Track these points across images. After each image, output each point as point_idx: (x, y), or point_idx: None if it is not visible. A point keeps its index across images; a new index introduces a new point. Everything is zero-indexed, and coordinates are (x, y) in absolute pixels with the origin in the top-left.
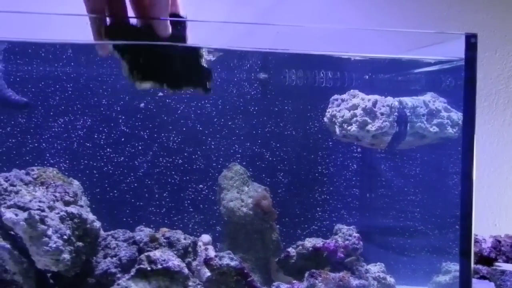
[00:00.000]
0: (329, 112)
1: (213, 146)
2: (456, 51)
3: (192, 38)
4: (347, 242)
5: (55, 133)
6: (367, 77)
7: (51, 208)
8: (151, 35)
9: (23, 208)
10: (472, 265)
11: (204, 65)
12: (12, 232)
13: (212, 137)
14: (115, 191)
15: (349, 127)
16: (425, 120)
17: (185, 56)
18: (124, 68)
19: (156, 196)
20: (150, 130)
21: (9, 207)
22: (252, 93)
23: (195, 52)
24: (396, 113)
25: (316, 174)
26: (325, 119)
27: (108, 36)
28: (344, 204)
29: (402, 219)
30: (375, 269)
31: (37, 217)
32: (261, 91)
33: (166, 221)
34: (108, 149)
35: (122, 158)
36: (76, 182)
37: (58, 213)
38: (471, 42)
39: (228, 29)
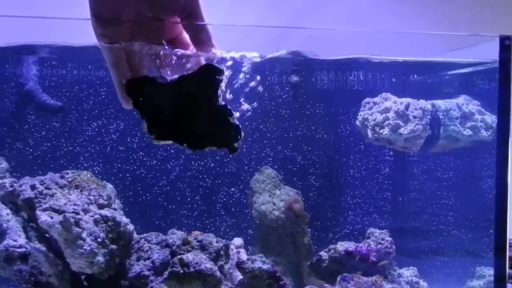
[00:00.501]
0: (361, 115)
1: (245, 150)
2: (490, 53)
3: (223, 45)
4: (379, 246)
5: (88, 137)
6: (399, 80)
7: (86, 211)
8: (177, 91)
9: (58, 211)
10: (507, 270)
11: (234, 122)
12: (47, 235)
13: (244, 140)
14: (148, 194)
15: (381, 130)
16: (459, 123)
17: (212, 113)
18: (143, 125)
19: (188, 199)
20: None
21: (44, 210)
22: (284, 96)
23: (224, 109)
24: (429, 116)
25: (348, 178)
26: (357, 122)
27: (128, 92)
28: (377, 207)
29: (435, 223)
30: (408, 273)
31: (72, 220)
32: (293, 94)
33: (198, 224)
34: (140, 153)
35: (155, 161)
36: (109, 185)
37: (92, 216)
38: (505, 44)
39: (259, 34)
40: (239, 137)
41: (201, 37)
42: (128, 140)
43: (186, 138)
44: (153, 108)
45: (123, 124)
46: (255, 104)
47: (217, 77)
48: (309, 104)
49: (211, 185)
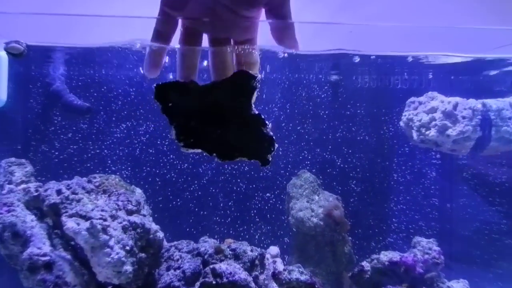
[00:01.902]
0: (405, 115)
1: (281, 153)
2: None
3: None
4: (426, 256)
5: (117, 139)
6: (447, 77)
7: (114, 218)
8: (208, 97)
9: (85, 217)
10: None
11: (267, 133)
12: (73, 243)
13: (280, 142)
14: (178, 200)
15: (427, 132)
16: None
17: (244, 122)
18: (171, 131)
19: (221, 205)
20: None
21: (70, 216)
22: (323, 96)
23: (257, 118)
24: (479, 117)
25: (392, 182)
26: (401, 123)
27: (157, 97)
28: (423, 214)
29: (487, 232)
30: (458, 286)
31: (99, 226)
32: (332, 93)
33: (231, 231)
34: (171, 156)
35: (186, 165)
36: (138, 190)
37: (121, 223)
38: None
39: (296, 30)
40: (272, 149)
41: (288, 33)
42: (158, 142)
43: (215, 147)
44: (183, 115)
45: (152, 125)
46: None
47: (251, 84)
48: (350, 104)
49: (245, 190)
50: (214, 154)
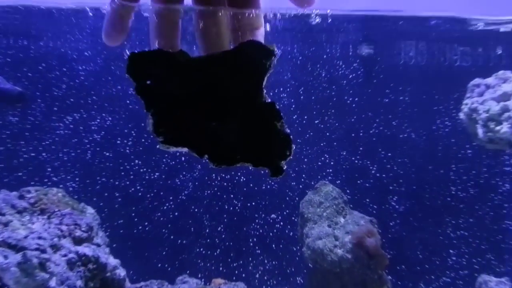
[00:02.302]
0: (467, 104)
1: (291, 157)
2: None
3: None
4: None
5: (60, 137)
6: None
7: (56, 248)
8: (202, 76)
9: (16, 248)
10: None
11: (283, 129)
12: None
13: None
14: (147, 223)
15: (497, 127)
16: None
17: (252, 114)
18: (148, 121)
19: (207, 230)
20: None
21: None
22: (350, 76)
23: (270, 109)
24: None
25: (448, 198)
26: (461, 115)
27: (130, 72)
28: (492, 244)
29: None
30: None
31: (35, 260)
32: (364, 73)
33: (221, 267)
34: (137, 161)
35: (158, 174)
36: (90, 210)
37: (66, 255)
38: None
39: None
40: (288, 153)
41: None
42: (118, 142)
43: (208, 146)
44: (165, 98)
45: (110, 118)
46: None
47: (264, 61)
48: (389, 88)
49: (241, 209)
50: (206, 156)
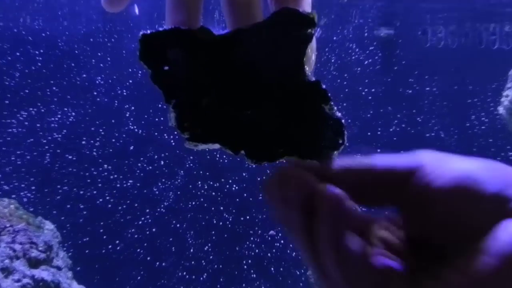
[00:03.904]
0: (507, 96)
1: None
2: None
3: None
4: None
5: (13, 136)
6: None
7: (7, 271)
8: (232, 56)
9: None
10: None
11: (333, 113)
12: None
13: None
14: (118, 241)
15: None
16: None
17: (293, 97)
18: (169, 115)
19: (191, 250)
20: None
21: None
22: (365, 63)
23: (315, 89)
24: None
25: None
26: (500, 110)
27: (144, 56)
28: None
29: None
30: None
31: None
32: (382, 59)
33: None
34: (106, 166)
35: (131, 181)
36: (49, 225)
37: (19, 280)
38: None
39: None
40: (340, 141)
41: None
42: (84, 142)
43: (244, 140)
44: (188, 85)
45: (73, 114)
46: None
47: (303, 32)
48: (412, 77)
49: (232, 224)
50: (242, 152)
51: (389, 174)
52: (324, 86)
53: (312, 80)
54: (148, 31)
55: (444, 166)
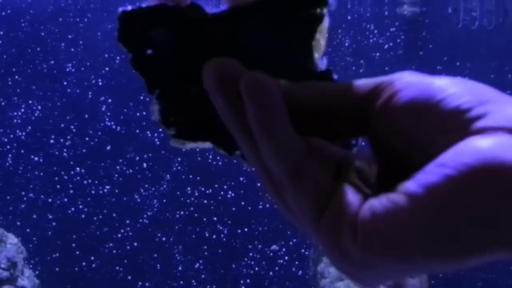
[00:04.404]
0: None
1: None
2: None
3: None
4: None
5: None
6: None
7: None
8: (227, 38)
9: None
10: None
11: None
12: None
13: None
14: (93, 258)
15: None
16: None
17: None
18: (152, 107)
19: (179, 267)
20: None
21: None
22: (386, 46)
23: (324, 78)
24: None
25: None
26: None
27: (123, 38)
28: None
29: None
30: None
31: None
32: (406, 42)
33: None
34: (78, 169)
35: (109, 187)
36: (12, 239)
37: None
38: None
39: None
40: (354, 141)
41: None
42: (52, 141)
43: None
44: (175, 73)
45: (40, 107)
46: None
47: (312, 12)
48: (441, 63)
49: (228, 237)
50: (238, 152)
51: (354, 93)
52: (336, 76)
53: (322, 68)
54: (129, 8)
55: (416, 82)
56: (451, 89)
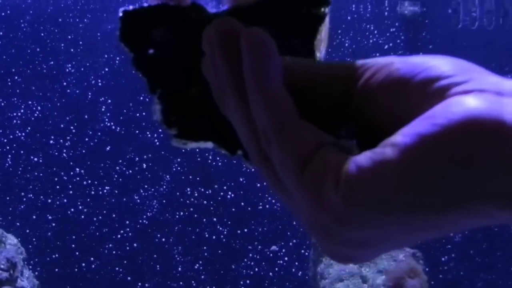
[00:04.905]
0: None
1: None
2: None
3: None
4: None
5: None
6: None
7: None
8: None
9: None
10: None
11: None
12: None
13: None
14: (93, 259)
15: None
16: None
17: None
18: (154, 107)
19: (179, 268)
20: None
21: None
22: (386, 47)
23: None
24: None
25: None
26: None
27: (125, 38)
28: None
29: None
30: None
31: None
32: (406, 42)
33: None
34: (78, 170)
35: (108, 187)
36: (12, 239)
37: None
38: None
39: None
40: (356, 141)
41: None
42: (52, 142)
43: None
44: (176, 73)
45: (40, 108)
46: None
47: (314, 11)
48: None
49: (227, 238)
50: (239, 152)
51: (339, 73)
52: None
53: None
54: (130, 7)
55: (397, 61)
56: (431, 62)
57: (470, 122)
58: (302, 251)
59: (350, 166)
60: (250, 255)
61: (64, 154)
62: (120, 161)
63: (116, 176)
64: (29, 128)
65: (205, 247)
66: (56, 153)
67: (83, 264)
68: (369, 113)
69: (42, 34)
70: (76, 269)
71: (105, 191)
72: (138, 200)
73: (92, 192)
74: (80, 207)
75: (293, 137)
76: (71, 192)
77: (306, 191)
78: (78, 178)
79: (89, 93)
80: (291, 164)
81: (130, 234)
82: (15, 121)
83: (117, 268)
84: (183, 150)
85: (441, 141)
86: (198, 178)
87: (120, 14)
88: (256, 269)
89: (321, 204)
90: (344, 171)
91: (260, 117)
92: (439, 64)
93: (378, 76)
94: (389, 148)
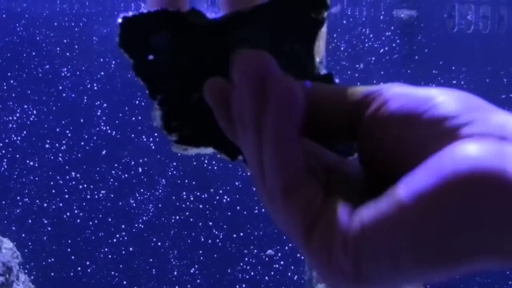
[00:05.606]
0: None
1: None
2: None
3: None
4: None
5: None
6: None
7: None
8: (229, 43)
9: None
10: None
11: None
12: None
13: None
14: (89, 263)
15: None
16: None
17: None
18: (154, 113)
19: (175, 272)
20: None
21: None
22: (381, 51)
23: (326, 82)
24: None
25: None
26: None
27: (124, 43)
28: None
29: None
30: None
31: None
32: (401, 46)
33: None
34: (73, 174)
35: (104, 191)
36: (7, 244)
37: None
38: None
39: None
40: (355, 145)
41: None
42: (48, 146)
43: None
44: (176, 79)
45: (35, 112)
46: None
47: (312, 16)
48: (437, 68)
49: (223, 241)
50: (240, 157)
51: (345, 98)
52: (337, 80)
53: (324, 72)
54: (130, 13)
55: (404, 93)
56: (439, 98)
57: (469, 178)
58: (298, 255)
59: (356, 226)
60: (246, 259)
61: (60, 158)
62: (116, 165)
63: (112, 180)
64: (24, 132)
65: (201, 251)
66: (52, 157)
67: (79, 268)
68: (375, 143)
69: (38, 38)
70: (72, 273)
71: (100, 195)
72: (134, 204)
73: (88, 196)
74: (76, 211)
75: (299, 201)
76: (67, 196)
77: (315, 255)
78: (73, 182)
79: (85, 97)
80: (297, 227)
81: (126, 238)
82: (10, 125)
83: (113, 272)
84: (179, 154)
85: (440, 200)
86: (194, 182)
87: (120, 21)
88: (252, 273)
89: (331, 267)
90: (351, 233)
91: (269, 172)
92: (446, 102)
93: (385, 108)
94: (391, 205)
